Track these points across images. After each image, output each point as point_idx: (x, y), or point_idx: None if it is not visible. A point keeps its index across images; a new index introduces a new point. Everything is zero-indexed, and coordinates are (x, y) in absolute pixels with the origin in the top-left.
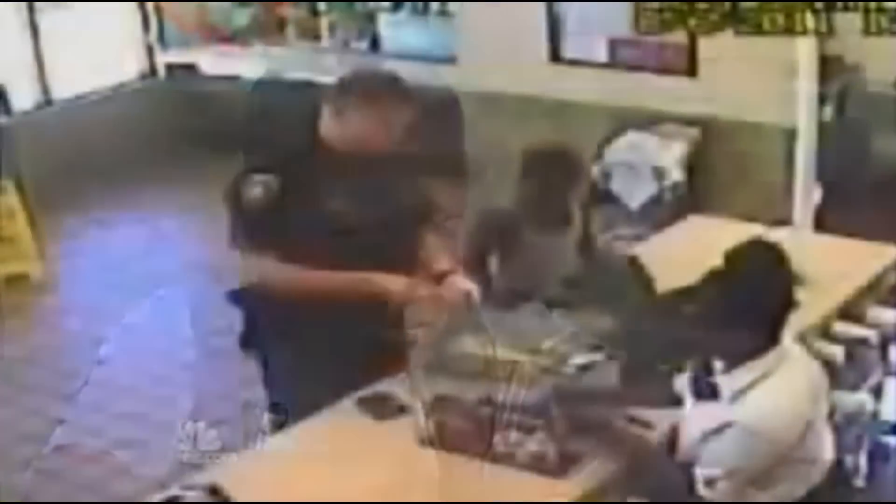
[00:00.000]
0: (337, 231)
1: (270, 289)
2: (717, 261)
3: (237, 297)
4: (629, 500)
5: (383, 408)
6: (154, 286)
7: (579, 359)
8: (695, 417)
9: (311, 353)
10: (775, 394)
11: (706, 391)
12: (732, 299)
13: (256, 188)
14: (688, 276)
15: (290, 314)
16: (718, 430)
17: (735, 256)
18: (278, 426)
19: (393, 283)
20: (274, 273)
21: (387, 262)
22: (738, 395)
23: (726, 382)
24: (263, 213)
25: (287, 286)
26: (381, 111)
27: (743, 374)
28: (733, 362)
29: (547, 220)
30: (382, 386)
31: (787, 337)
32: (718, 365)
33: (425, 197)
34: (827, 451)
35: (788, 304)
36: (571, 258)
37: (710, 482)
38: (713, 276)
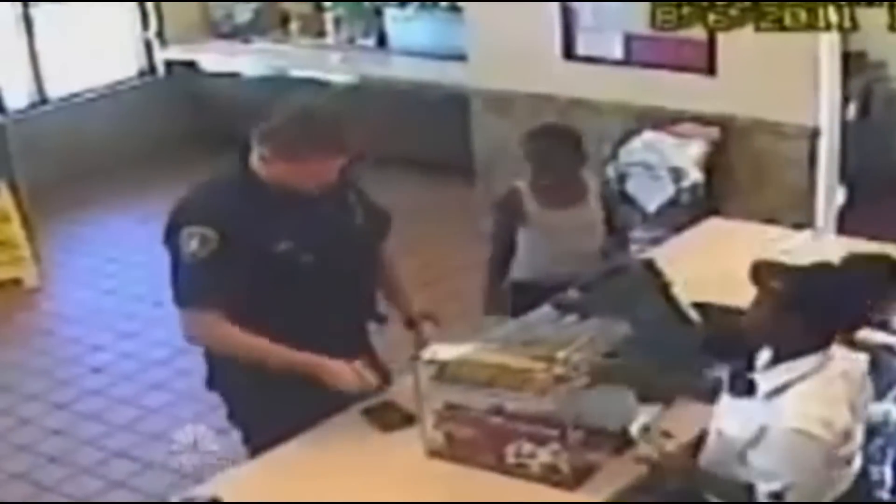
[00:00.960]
0: (286, 274)
1: (213, 348)
2: (736, 264)
3: None
4: None
5: (389, 418)
6: (153, 292)
7: (594, 367)
8: (727, 414)
9: (270, 394)
10: (813, 396)
11: (742, 387)
12: (823, 293)
13: (193, 242)
14: (707, 280)
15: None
16: (758, 436)
17: (856, 258)
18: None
19: (338, 372)
20: (217, 335)
21: (345, 299)
22: (773, 394)
23: (764, 380)
24: (204, 268)
25: (230, 350)
26: (304, 164)
27: (782, 373)
28: (781, 358)
29: (556, 196)
30: (388, 395)
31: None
32: (761, 360)
33: (379, 213)
34: (857, 459)
35: (865, 315)
36: (590, 239)
37: (777, 496)
38: (814, 268)
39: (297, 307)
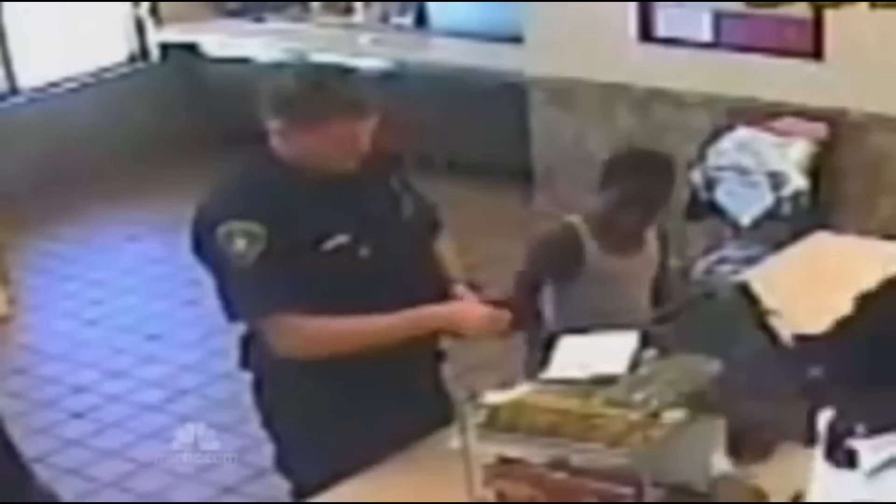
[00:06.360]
0: (343, 273)
1: (310, 352)
2: (848, 288)
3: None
4: None
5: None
6: (145, 322)
7: (676, 413)
8: (824, 488)
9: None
10: None
11: (843, 458)
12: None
13: (238, 241)
14: (812, 307)
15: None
16: None
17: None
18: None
19: (464, 316)
20: (311, 332)
21: (408, 300)
22: (878, 470)
23: (867, 451)
24: (261, 266)
25: (330, 346)
26: (331, 133)
27: (889, 444)
28: (877, 427)
29: (622, 241)
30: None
31: None
32: (860, 427)
33: (427, 207)
34: None
35: None
36: (643, 289)
37: None
38: (864, 310)
39: (357, 313)
